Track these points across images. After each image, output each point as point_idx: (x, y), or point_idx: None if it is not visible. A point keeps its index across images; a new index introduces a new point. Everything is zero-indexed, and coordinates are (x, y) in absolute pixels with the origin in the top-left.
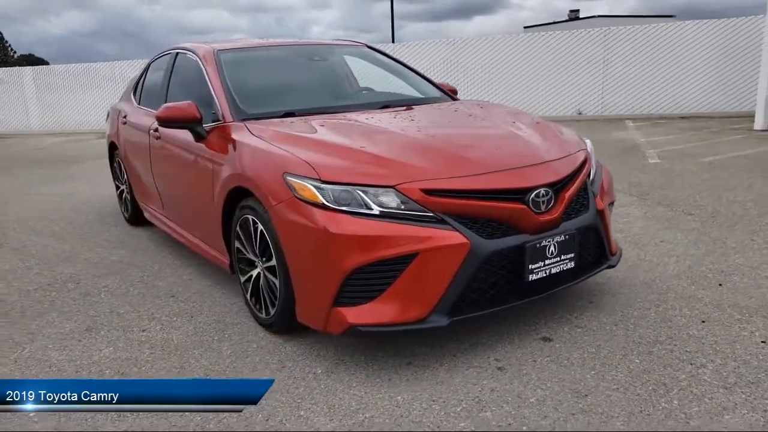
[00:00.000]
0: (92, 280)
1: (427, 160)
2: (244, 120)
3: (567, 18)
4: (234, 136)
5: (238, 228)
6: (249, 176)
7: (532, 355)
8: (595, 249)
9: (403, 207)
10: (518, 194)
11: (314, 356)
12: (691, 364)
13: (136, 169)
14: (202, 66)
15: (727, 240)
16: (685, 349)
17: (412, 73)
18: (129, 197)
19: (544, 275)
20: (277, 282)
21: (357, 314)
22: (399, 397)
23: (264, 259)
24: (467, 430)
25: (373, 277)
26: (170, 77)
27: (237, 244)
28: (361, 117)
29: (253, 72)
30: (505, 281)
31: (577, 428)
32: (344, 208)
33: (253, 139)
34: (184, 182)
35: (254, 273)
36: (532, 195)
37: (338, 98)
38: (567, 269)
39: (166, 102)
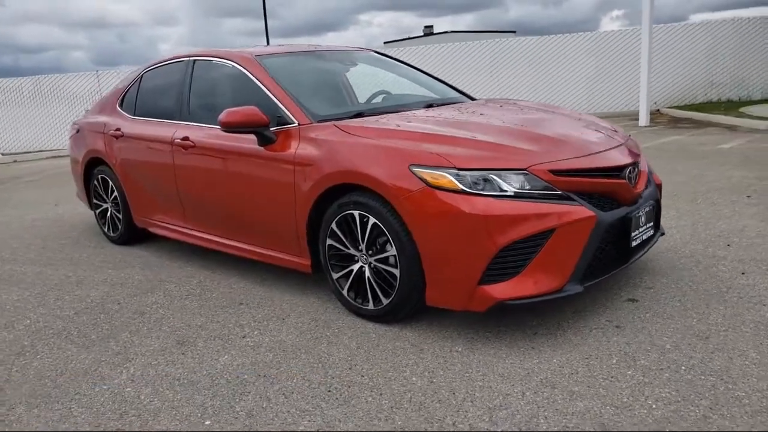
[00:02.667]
0: (133, 300)
1: (534, 145)
2: (320, 121)
3: (423, 33)
4: (322, 136)
5: (334, 226)
6: (361, 172)
7: (632, 313)
8: (656, 218)
9: (535, 187)
10: (619, 171)
11: (443, 338)
12: (764, 305)
13: (142, 183)
14: (246, 72)
15: (701, 212)
16: (749, 294)
17: (423, 76)
18: (121, 215)
19: (639, 241)
20: (396, 271)
21: (502, 290)
22: (554, 360)
23: (371, 252)
24: (638, 378)
25: (516, 254)
26: (190, 86)
27: (330, 242)
28: (432, 113)
29: (297, 76)
30: (615, 248)
31: (722, 365)
32: (483, 192)
33: (353, 137)
34: (238, 190)
35: (354, 268)
36: (627, 171)
37: (392, 100)
38: (648, 236)
39: (187, 111)
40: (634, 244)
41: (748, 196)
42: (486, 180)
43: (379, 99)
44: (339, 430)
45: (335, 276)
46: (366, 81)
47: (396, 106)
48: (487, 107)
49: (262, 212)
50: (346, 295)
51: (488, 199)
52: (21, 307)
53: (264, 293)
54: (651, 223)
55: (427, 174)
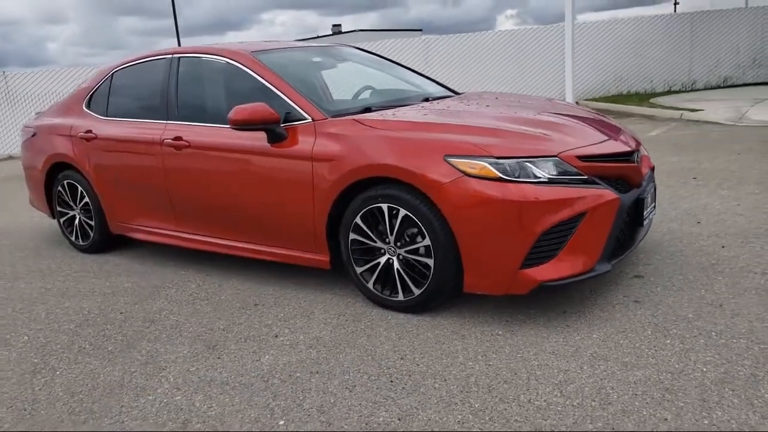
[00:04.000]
0: (136, 308)
1: (556, 133)
2: (334, 116)
3: (331, 32)
4: (342, 131)
5: (359, 220)
6: (393, 165)
7: (644, 288)
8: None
9: (566, 173)
10: (629, 155)
11: (479, 323)
12: (755, 273)
13: (120, 186)
14: (245, 69)
15: (661, 194)
16: (738, 265)
17: (402, 70)
18: (93, 222)
19: (647, 221)
20: (430, 261)
21: (542, 272)
22: (594, 335)
23: (400, 243)
24: (678, 345)
25: (554, 237)
26: (177, 84)
27: (354, 236)
28: (441, 106)
29: (296, 72)
30: (630, 227)
31: (746, 328)
32: (519, 179)
33: (377, 131)
34: (244, 189)
35: (381, 260)
36: (635, 156)
37: (381, 95)
38: (653, 215)
39: (175, 110)
40: (645, 222)
41: (694, 178)
42: (521, 167)
43: (366, 94)
44: (421, 416)
45: (359, 270)
46: (343, 77)
47: (397, 100)
48: (487, 99)
49: (274, 210)
50: (372, 288)
51: (526, 185)
52: (9, 323)
53: (275, 292)
54: (653, 204)
55: (464, 163)
